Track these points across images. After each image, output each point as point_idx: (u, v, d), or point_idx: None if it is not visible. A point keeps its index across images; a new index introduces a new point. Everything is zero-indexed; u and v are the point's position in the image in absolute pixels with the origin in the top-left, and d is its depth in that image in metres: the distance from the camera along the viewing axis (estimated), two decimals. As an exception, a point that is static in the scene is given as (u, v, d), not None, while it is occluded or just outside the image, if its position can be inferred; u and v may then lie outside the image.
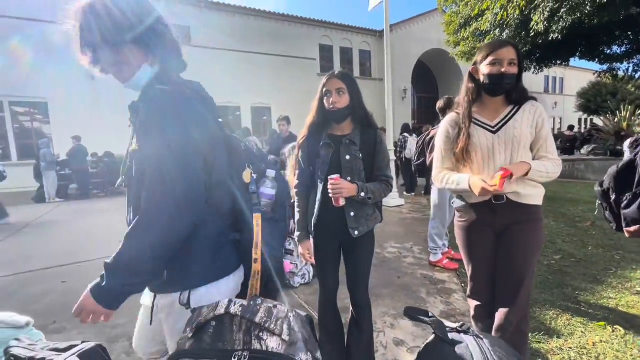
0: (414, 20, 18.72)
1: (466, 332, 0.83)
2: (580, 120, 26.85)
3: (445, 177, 1.50)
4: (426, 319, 0.85)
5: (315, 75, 15.65)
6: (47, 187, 8.09)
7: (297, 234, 1.62)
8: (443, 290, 2.64)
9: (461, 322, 0.87)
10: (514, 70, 1.38)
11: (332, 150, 1.50)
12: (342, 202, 1.42)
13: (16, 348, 0.75)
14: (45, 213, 6.70)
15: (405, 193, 7.20)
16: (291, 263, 2.70)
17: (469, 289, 1.62)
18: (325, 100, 1.49)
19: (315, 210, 1.53)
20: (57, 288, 2.97)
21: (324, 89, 1.49)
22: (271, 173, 1.09)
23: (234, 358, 0.57)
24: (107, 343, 2.04)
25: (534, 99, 1.48)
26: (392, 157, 6.36)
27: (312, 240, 1.61)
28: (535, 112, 1.42)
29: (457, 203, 1.59)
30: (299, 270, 2.72)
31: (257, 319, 0.60)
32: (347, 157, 1.48)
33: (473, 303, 1.59)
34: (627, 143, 2.59)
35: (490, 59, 1.37)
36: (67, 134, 9.16)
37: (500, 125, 1.42)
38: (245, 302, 0.66)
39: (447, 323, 0.85)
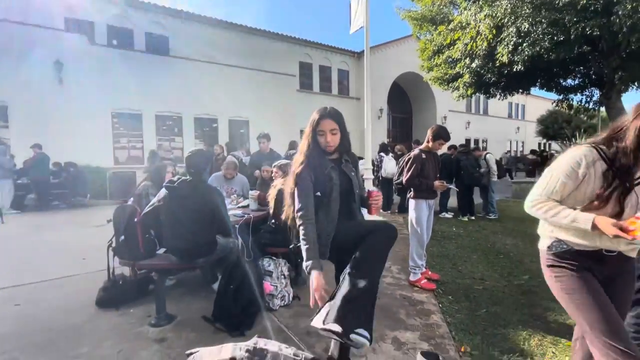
0: (391, 44, 19.61)
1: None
2: (539, 144, 28.86)
3: (551, 208, 1.34)
4: None
5: (294, 92, 15.83)
6: (1, 198, 7.45)
7: (309, 262, 1.44)
8: (422, 312, 2.66)
9: None
10: None
11: (337, 171, 1.63)
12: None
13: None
14: (-3, 226, 6.13)
15: (381, 211, 7.31)
16: (271, 284, 2.63)
17: (605, 333, 1.26)
18: (319, 138, 1.61)
19: (330, 229, 1.56)
20: (9, 312, 2.69)
21: (318, 128, 1.59)
22: None
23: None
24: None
25: None
26: (370, 175, 6.48)
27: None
28: None
29: (557, 247, 1.40)
30: (279, 292, 2.66)
31: (265, 366, 0.58)
32: (353, 174, 1.69)
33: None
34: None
35: None
36: (27, 141, 8.55)
37: None
38: (250, 346, 0.63)
39: None
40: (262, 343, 0.67)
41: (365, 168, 6.51)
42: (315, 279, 1.42)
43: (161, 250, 2.71)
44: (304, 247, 1.49)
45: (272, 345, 0.67)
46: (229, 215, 2.65)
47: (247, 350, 0.63)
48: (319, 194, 1.58)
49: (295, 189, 1.58)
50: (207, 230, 2.44)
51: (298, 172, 1.58)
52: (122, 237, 2.58)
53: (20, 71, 9.50)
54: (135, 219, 2.59)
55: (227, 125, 13.82)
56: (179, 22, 13.46)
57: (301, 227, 1.52)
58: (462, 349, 2.13)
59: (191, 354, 0.70)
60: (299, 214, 1.54)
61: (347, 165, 1.68)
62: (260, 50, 15.46)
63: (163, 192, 2.59)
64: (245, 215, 3.14)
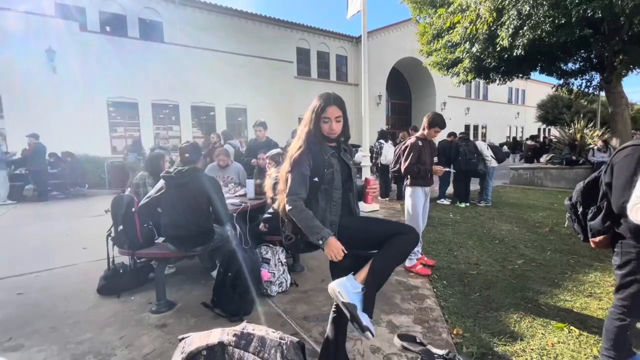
0: (390, 29, 19.25)
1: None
2: (539, 129, 28.77)
3: None
4: (415, 348, 0.90)
5: (292, 78, 15.63)
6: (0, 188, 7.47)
7: (322, 234, 1.44)
8: (416, 296, 2.72)
9: (447, 350, 0.93)
10: None
11: (337, 159, 1.62)
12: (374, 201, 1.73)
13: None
14: (-3, 216, 6.18)
15: (379, 198, 7.36)
16: (268, 272, 2.68)
17: None
18: (323, 125, 1.57)
19: (334, 217, 1.57)
20: (13, 300, 2.75)
21: (322, 115, 1.55)
22: None
23: (226, 390, 0.57)
24: (72, 361, 1.93)
25: None
26: (368, 162, 6.48)
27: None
28: None
29: None
30: (276, 279, 2.71)
31: (251, 349, 0.61)
32: (351, 162, 1.71)
33: None
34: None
35: None
36: (22, 130, 8.50)
37: None
38: (238, 331, 0.66)
39: (434, 350, 0.90)
40: (250, 328, 0.70)
41: (363, 155, 6.52)
42: (334, 243, 1.44)
43: (160, 240, 2.75)
44: (306, 227, 1.46)
45: (259, 330, 0.70)
46: (226, 204, 2.67)
47: (235, 335, 0.66)
48: (316, 179, 1.55)
49: (290, 174, 1.54)
50: (204, 219, 2.47)
51: (296, 158, 1.53)
52: (121, 227, 2.61)
53: (13, 59, 9.35)
54: (133, 209, 2.61)
55: (225, 113, 13.70)
56: (172, 6, 13.17)
57: (293, 212, 1.48)
58: (455, 332, 2.19)
59: (183, 338, 0.74)
60: (289, 197, 1.50)
61: (346, 155, 1.69)
62: (256, 36, 15.20)
63: (161, 182, 2.61)
64: (243, 204, 3.16)
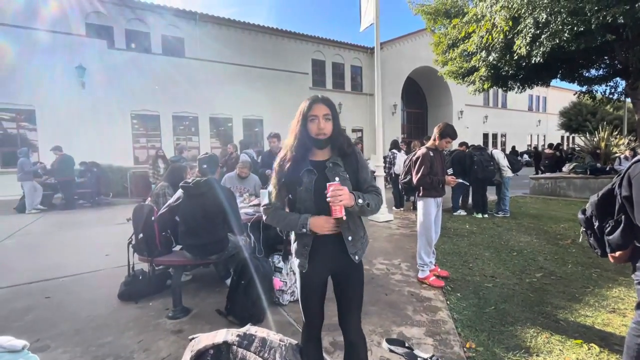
0: (405, 39, 19.34)
1: (436, 363, 0.89)
2: (562, 137, 27.82)
3: None
4: (400, 350, 0.92)
5: (307, 89, 15.90)
6: (26, 197, 7.92)
7: (301, 222, 1.35)
8: (429, 308, 2.69)
9: (432, 354, 0.94)
10: None
11: (315, 176, 1.40)
12: (343, 213, 1.29)
13: (16, 374, 0.77)
14: (29, 223, 6.53)
15: (394, 208, 7.31)
16: (280, 280, 2.73)
17: None
18: (310, 125, 1.39)
19: (307, 240, 1.42)
20: (41, 304, 2.91)
21: (309, 114, 1.38)
22: None
23: (230, 386, 0.62)
24: (93, 362, 2.03)
25: None
26: (382, 172, 6.48)
27: (297, 271, 1.47)
28: None
29: None
30: (288, 288, 2.75)
31: (252, 349, 0.66)
32: (337, 180, 1.38)
33: None
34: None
35: None
36: (54, 142, 9.05)
37: None
38: (241, 332, 0.71)
39: (419, 353, 0.92)
40: (253, 330, 0.75)
41: (376, 165, 6.53)
42: (315, 221, 1.35)
43: (177, 247, 2.86)
44: (286, 226, 1.43)
45: (261, 332, 0.75)
46: (239, 214, 2.76)
47: (238, 335, 0.71)
48: (290, 196, 1.45)
49: (269, 184, 1.51)
50: (219, 228, 2.56)
51: (277, 167, 1.47)
52: (141, 235, 2.74)
53: (46, 76, 10.03)
54: (153, 218, 2.74)
55: (242, 123, 14.07)
56: (193, 23, 13.79)
57: (268, 220, 1.47)
58: (467, 345, 2.15)
59: (193, 338, 0.80)
60: (262, 209, 1.51)
61: (334, 169, 1.41)
62: (273, 49, 15.63)
63: (179, 192, 2.73)
64: (257, 214, 3.24)
